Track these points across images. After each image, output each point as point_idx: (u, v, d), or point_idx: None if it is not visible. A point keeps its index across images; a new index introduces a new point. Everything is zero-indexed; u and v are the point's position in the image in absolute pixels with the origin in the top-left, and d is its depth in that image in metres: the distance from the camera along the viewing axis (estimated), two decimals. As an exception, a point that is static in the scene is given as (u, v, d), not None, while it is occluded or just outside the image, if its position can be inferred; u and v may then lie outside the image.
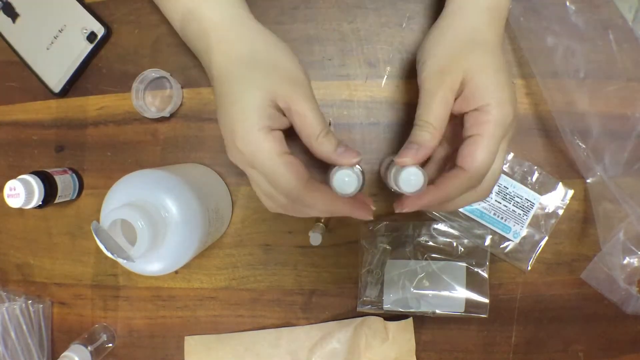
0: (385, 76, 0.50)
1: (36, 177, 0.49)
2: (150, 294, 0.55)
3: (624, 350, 0.50)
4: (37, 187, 0.49)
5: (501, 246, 0.50)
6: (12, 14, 0.53)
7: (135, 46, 0.53)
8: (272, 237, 0.52)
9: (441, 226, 0.50)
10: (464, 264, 0.50)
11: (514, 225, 0.49)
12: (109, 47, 0.53)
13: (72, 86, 0.54)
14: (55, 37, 0.53)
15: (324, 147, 0.36)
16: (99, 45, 0.53)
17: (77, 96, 0.54)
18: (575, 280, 0.49)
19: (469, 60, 0.36)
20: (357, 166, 0.37)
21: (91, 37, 0.52)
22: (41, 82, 0.54)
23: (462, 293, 0.49)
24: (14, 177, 0.49)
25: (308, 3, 0.50)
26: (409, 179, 0.35)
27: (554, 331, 0.51)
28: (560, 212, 0.49)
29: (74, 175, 0.54)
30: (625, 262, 0.44)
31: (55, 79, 0.54)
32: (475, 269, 0.50)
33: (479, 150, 0.34)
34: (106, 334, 0.55)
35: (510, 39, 0.48)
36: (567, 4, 0.45)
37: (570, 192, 0.49)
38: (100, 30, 0.52)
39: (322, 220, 0.51)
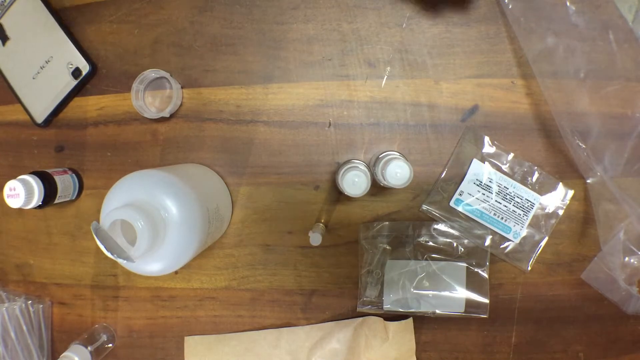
0: (385, 76, 0.50)
1: (36, 177, 0.49)
2: (150, 294, 0.55)
3: (624, 350, 0.50)
4: (37, 187, 0.48)
5: (501, 246, 0.50)
6: (2, 36, 0.53)
7: (135, 46, 0.53)
8: (272, 237, 0.52)
9: (441, 226, 0.50)
10: (464, 264, 0.50)
11: (514, 226, 0.49)
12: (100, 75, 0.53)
13: (55, 118, 0.54)
14: (41, 68, 0.53)
15: None
16: (83, 81, 0.52)
17: (77, 96, 0.54)
18: (575, 280, 0.50)
19: None
20: (363, 166, 0.37)
21: (76, 73, 0.52)
22: (25, 111, 0.54)
23: (462, 293, 0.49)
24: (14, 177, 0.49)
25: (308, 3, 0.50)
26: (395, 172, 0.36)
27: (554, 331, 0.51)
28: (561, 212, 0.49)
29: (74, 175, 0.54)
30: (625, 262, 0.44)
31: (39, 110, 0.54)
32: (476, 269, 0.50)
33: None
34: (106, 334, 0.55)
35: (510, 39, 0.48)
36: (567, 4, 0.45)
37: (570, 192, 0.49)
38: (85, 68, 0.52)
39: (322, 220, 0.51)
